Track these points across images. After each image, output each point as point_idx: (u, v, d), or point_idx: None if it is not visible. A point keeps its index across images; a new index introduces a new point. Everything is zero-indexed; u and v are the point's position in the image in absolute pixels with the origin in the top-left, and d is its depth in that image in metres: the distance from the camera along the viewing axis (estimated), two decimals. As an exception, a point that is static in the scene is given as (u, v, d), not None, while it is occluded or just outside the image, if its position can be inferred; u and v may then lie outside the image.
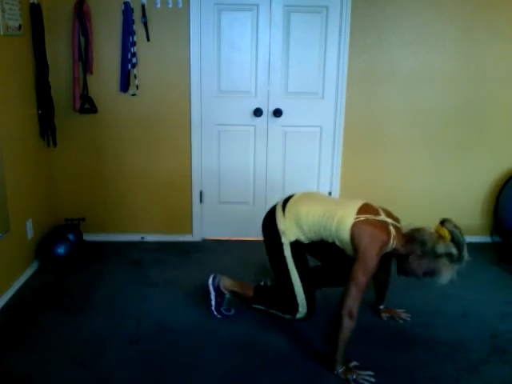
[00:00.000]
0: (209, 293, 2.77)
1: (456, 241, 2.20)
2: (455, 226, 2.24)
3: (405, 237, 2.32)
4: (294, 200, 2.57)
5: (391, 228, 2.31)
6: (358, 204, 2.39)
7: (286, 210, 2.53)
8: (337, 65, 3.60)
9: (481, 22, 3.56)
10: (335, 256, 2.61)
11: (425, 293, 3.03)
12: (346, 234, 2.32)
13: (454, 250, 2.19)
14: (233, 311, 2.81)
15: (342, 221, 2.34)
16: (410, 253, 2.28)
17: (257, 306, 2.73)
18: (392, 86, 3.66)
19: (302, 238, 2.50)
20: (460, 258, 2.20)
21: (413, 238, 2.28)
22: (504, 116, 3.76)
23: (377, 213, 2.36)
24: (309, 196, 2.61)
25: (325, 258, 2.76)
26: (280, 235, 2.51)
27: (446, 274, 2.21)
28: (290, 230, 2.49)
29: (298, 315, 2.57)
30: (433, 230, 2.26)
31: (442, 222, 2.27)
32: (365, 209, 2.36)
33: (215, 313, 2.77)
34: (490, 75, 3.66)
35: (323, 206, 2.47)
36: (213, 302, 2.76)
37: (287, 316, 2.62)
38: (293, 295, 2.53)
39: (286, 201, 2.59)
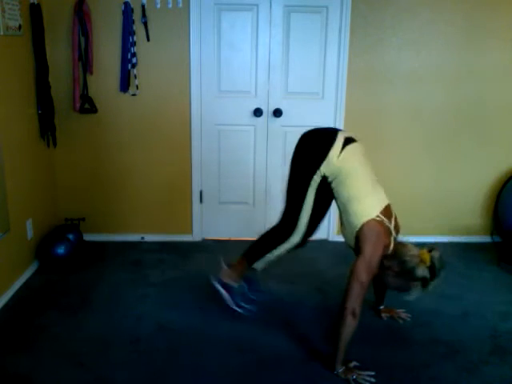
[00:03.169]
0: (218, 292, 2.78)
1: (434, 269, 2.24)
2: (440, 257, 2.27)
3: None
4: (354, 151, 2.46)
5: (392, 239, 2.35)
6: (384, 203, 2.39)
7: (343, 154, 2.40)
8: (337, 65, 3.61)
9: (481, 22, 3.57)
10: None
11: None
12: (357, 223, 2.32)
13: (429, 277, 2.23)
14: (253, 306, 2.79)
15: (364, 210, 2.33)
16: (388, 267, 2.32)
17: (256, 265, 2.72)
18: (392, 86, 3.67)
19: (328, 178, 2.44)
20: (428, 285, 2.25)
21: (395, 253, 2.32)
22: (504, 116, 3.76)
23: (390, 219, 2.38)
24: (363, 160, 2.52)
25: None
26: (320, 165, 2.40)
27: (415, 294, 2.27)
28: (331, 167, 2.40)
29: (290, 242, 2.59)
30: (416, 251, 2.28)
31: (430, 250, 2.29)
32: (385, 211, 2.37)
33: (235, 307, 2.76)
34: (490, 75, 3.67)
35: (365, 183, 2.43)
36: (226, 298, 2.77)
37: (281, 246, 2.62)
38: (295, 220, 2.53)
39: (346, 141, 2.45)
